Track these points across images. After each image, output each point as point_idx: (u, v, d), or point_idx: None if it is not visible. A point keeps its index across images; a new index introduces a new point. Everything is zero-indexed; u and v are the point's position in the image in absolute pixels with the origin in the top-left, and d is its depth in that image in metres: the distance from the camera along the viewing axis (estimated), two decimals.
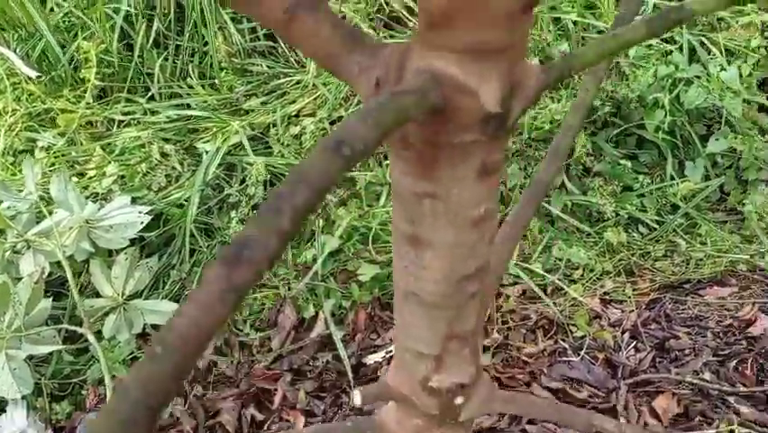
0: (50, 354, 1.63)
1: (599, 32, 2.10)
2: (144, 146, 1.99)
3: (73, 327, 1.53)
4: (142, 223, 1.70)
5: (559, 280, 1.75)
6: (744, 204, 1.92)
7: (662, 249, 1.87)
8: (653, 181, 1.98)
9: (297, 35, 0.44)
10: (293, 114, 2.09)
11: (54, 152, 1.98)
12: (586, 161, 1.98)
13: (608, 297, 1.74)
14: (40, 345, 1.55)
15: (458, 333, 0.56)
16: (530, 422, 1.42)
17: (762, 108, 2.04)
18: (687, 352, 1.57)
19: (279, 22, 0.43)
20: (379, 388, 0.63)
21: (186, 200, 1.88)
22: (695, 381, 1.48)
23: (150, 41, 2.22)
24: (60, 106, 2.01)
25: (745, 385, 1.47)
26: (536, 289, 1.70)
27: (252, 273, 0.28)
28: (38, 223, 1.72)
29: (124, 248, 1.72)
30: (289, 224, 0.29)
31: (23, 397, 1.50)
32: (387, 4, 2.21)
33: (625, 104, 1.99)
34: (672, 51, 2.02)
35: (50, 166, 1.96)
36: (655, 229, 1.92)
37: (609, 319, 1.68)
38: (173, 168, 1.95)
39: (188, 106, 2.13)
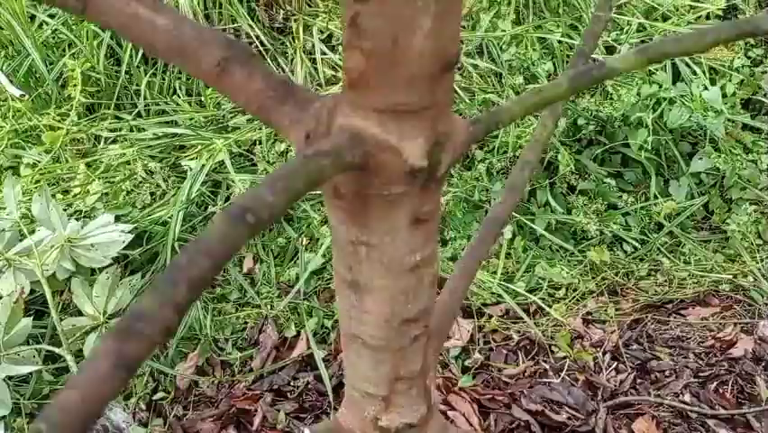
0: (30, 373, 1.62)
1: None
2: (129, 163, 1.99)
3: (51, 348, 1.52)
4: (124, 242, 1.71)
5: (542, 300, 1.75)
6: (727, 223, 1.92)
7: (645, 268, 1.87)
8: (637, 200, 1.99)
9: (229, 88, 0.44)
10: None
11: (39, 170, 1.98)
12: (570, 180, 1.98)
13: (590, 317, 1.74)
14: (19, 365, 1.55)
15: (404, 375, 0.56)
16: None
17: (746, 127, 2.05)
18: (668, 373, 1.57)
19: (211, 75, 0.44)
20: (329, 426, 0.63)
21: (170, 218, 1.88)
22: (675, 403, 1.47)
23: (139, 57, 2.23)
24: (46, 124, 2.02)
25: (724, 408, 1.46)
26: (518, 309, 1.70)
27: (145, 347, 0.28)
28: (21, 241, 1.72)
29: (107, 266, 1.72)
30: (185, 296, 0.29)
31: (2, 417, 1.49)
32: None
33: (609, 123, 1.99)
34: (655, 71, 2.03)
35: (36, 183, 1.96)
36: (638, 249, 1.92)
37: (591, 339, 1.67)
38: (157, 185, 1.95)
39: (175, 123, 2.14)
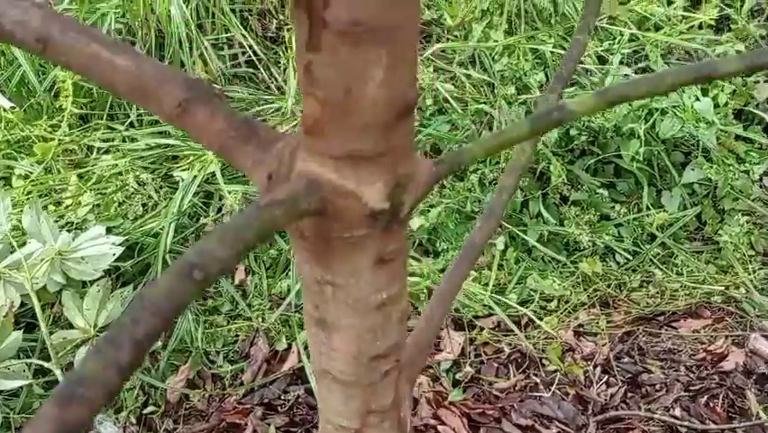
0: (20, 387, 1.62)
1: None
2: (122, 174, 1.99)
3: (40, 362, 1.52)
4: (115, 255, 1.70)
5: (533, 312, 1.75)
6: (720, 234, 1.92)
7: (638, 279, 1.86)
8: (630, 210, 1.98)
9: (191, 128, 0.44)
10: None
11: (32, 181, 1.98)
12: (563, 190, 1.98)
13: (582, 329, 1.74)
14: (9, 379, 1.54)
15: (375, 408, 0.56)
16: None
17: (738, 137, 2.05)
18: (658, 387, 1.56)
19: (173, 115, 0.43)
20: None
21: (161, 229, 1.87)
22: (665, 418, 1.47)
23: None
24: (38, 134, 2.02)
25: (715, 422, 1.46)
26: (509, 322, 1.70)
27: (87, 412, 0.28)
28: (11, 253, 1.71)
29: (98, 279, 1.72)
30: (130, 357, 0.29)
31: None
32: None
33: (601, 133, 1.99)
34: None
35: (27, 194, 1.96)
36: (630, 260, 1.92)
37: (583, 352, 1.67)
38: (149, 196, 1.95)
39: (167, 134, 2.14)
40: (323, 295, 0.48)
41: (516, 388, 1.57)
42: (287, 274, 1.88)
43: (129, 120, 2.19)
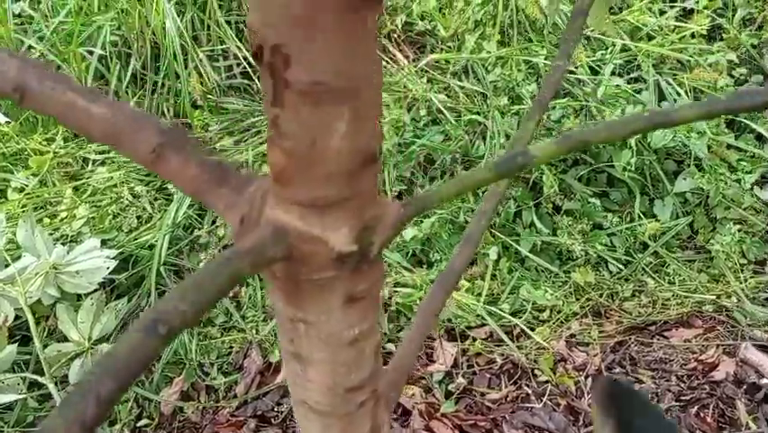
0: (15, 401, 1.63)
1: (569, 71, 2.12)
2: (116, 186, 2.00)
3: (35, 376, 1.53)
4: (109, 268, 1.71)
5: (526, 322, 1.76)
6: (711, 243, 1.93)
7: (630, 289, 1.87)
8: (622, 220, 1.99)
9: (165, 173, 0.45)
10: (266, 152, 2.11)
11: (27, 194, 1.99)
12: (556, 200, 1.99)
13: (574, 339, 1.75)
14: (3, 393, 1.55)
15: None
16: None
17: (730, 146, 2.06)
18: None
19: (147, 161, 0.44)
20: None
21: (156, 241, 1.89)
22: None
23: (127, 79, 2.24)
24: (34, 147, 2.03)
25: None
26: (501, 333, 1.71)
27: None
28: (6, 267, 1.73)
29: (92, 292, 1.73)
30: (94, 413, 0.30)
31: None
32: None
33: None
34: (639, 91, 2.04)
35: (23, 207, 1.97)
36: (622, 269, 1.93)
37: (575, 362, 1.68)
38: (144, 209, 1.96)
39: None
40: (296, 331, 0.49)
41: (508, 399, 1.58)
42: None
43: None
